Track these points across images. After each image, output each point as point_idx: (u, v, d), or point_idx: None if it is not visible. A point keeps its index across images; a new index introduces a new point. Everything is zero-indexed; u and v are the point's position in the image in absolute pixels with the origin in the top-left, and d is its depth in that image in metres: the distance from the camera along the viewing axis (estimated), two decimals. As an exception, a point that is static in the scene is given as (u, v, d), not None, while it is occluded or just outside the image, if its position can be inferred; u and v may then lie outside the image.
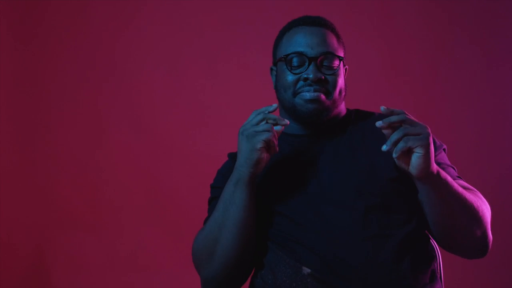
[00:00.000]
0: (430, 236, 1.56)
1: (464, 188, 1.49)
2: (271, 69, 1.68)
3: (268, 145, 1.43)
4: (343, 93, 1.60)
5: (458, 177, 1.57)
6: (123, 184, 2.76)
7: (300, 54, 1.57)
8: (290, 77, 1.57)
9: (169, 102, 2.78)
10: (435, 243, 1.60)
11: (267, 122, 1.45)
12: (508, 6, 2.79)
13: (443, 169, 1.51)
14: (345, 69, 1.64)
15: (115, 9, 2.79)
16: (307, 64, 1.56)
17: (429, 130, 1.35)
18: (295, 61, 1.57)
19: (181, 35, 2.80)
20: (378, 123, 1.35)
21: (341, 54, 1.61)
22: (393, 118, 1.34)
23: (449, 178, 1.41)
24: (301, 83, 1.56)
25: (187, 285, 2.75)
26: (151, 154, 2.77)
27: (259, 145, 1.42)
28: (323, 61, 1.56)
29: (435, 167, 1.37)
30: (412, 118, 1.36)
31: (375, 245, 1.43)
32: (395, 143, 1.32)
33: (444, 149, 1.63)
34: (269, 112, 1.46)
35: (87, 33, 2.79)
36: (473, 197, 1.46)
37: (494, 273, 2.69)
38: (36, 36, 2.79)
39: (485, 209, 1.48)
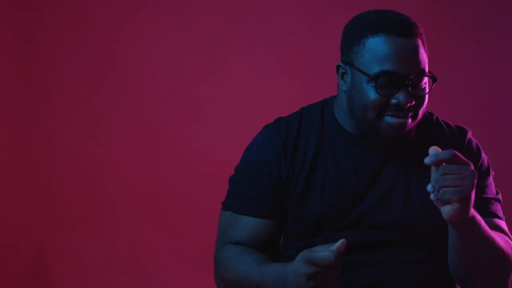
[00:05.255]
0: None
1: (495, 227, 1.44)
2: (338, 66, 1.45)
3: None
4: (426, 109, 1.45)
5: (495, 214, 1.49)
6: (123, 182, 2.76)
7: (391, 74, 1.35)
8: (376, 98, 1.37)
9: (169, 100, 2.78)
10: None
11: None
12: (508, 5, 2.78)
13: (484, 204, 1.47)
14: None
15: (114, 6, 2.79)
16: (397, 86, 1.36)
17: (474, 179, 1.22)
18: (382, 80, 1.36)
19: (181, 32, 2.79)
20: (427, 162, 1.23)
21: (428, 64, 1.41)
22: (441, 155, 1.23)
23: (482, 225, 1.31)
24: (389, 106, 1.38)
25: (187, 284, 2.75)
26: (151, 152, 2.77)
27: None
28: (415, 81, 1.37)
29: (470, 214, 1.26)
30: (461, 157, 1.24)
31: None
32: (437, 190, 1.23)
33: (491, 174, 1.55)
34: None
35: (86, 29, 2.78)
36: (502, 245, 1.38)
37: None
38: (34, 32, 2.78)
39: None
